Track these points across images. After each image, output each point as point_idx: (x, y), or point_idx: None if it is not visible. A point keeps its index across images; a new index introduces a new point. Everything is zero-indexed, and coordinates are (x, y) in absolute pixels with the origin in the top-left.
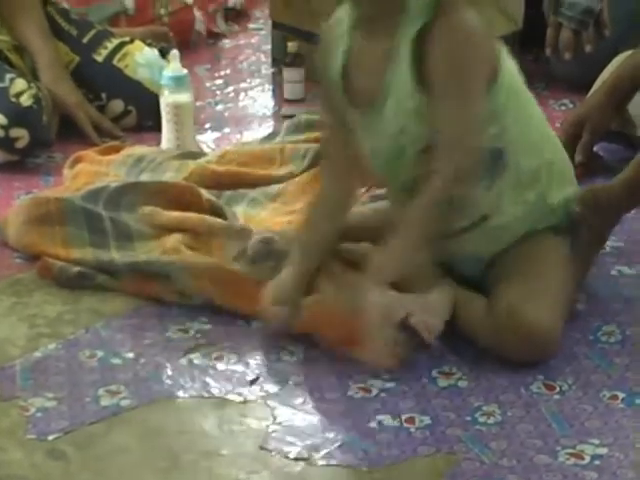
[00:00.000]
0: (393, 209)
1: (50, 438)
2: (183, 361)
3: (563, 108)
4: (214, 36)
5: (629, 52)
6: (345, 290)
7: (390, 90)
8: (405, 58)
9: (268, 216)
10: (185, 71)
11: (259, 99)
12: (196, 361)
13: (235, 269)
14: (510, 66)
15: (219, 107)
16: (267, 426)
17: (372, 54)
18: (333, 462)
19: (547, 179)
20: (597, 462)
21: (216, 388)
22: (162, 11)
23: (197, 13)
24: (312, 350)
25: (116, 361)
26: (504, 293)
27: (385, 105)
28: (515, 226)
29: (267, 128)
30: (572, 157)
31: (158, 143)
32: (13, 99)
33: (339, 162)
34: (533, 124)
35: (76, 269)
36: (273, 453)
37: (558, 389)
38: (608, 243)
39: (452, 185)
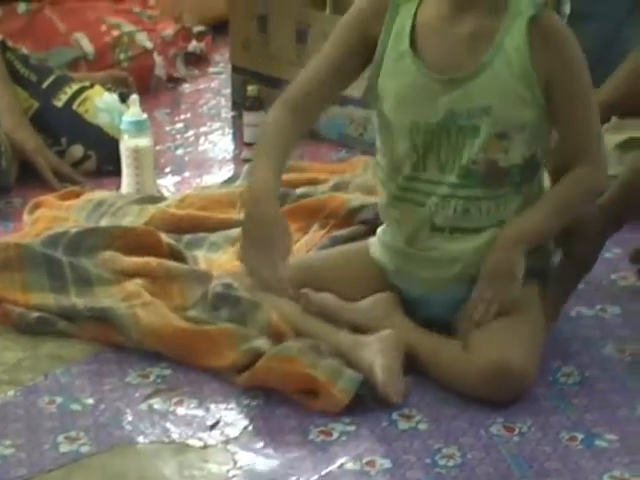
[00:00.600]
0: (387, 200)
1: None
2: (143, 406)
3: None
4: (174, 80)
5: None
6: (308, 345)
7: (486, 70)
8: (514, 46)
9: (228, 260)
10: (145, 116)
11: (219, 143)
12: (156, 406)
13: (183, 326)
14: None
15: (179, 151)
16: (228, 471)
17: (459, 29)
18: None
19: None
20: None
21: (176, 433)
22: (122, 56)
23: (157, 58)
24: (272, 394)
25: (76, 407)
26: (483, 338)
27: (473, 82)
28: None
29: (227, 172)
30: None
31: (118, 187)
32: None
33: (308, 104)
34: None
35: (36, 315)
36: None
37: (517, 431)
38: None
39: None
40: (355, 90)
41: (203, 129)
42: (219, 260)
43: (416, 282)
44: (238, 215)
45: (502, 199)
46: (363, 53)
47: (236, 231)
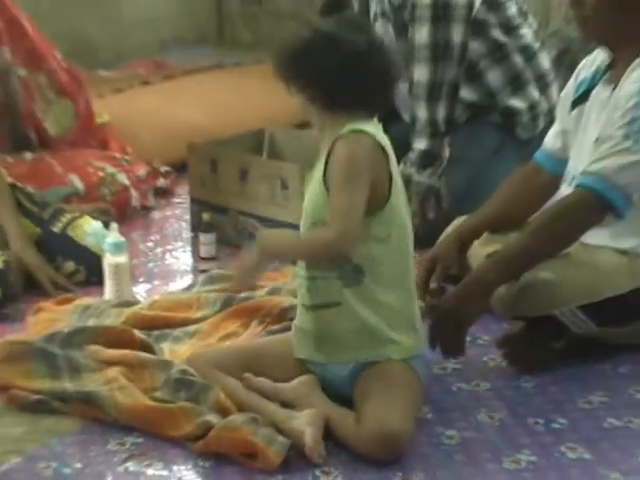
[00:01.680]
0: None
1: None
2: (120, 469)
3: None
4: (146, 209)
5: (464, 217)
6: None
7: (315, 172)
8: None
9: (188, 350)
10: (122, 239)
11: (181, 258)
12: (131, 468)
13: (152, 404)
14: (401, 207)
15: (150, 264)
16: None
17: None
18: None
19: (390, 319)
20: None
21: None
22: (106, 191)
23: (133, 192)
24: (222, 457)
25: (67, 470)
26: (368, 409)
27: (309, 182)
28: (353, 341)
29: (187, 280)
30: (426, 287)
31: (102, 295)
32: None
33: None
34: (402, 262)
35: (36, 397)
36: None
37: None
38: (450, 365)
39: (334, 242)
40: (288, 216)
41: (168, 247)
42: (181, 350)
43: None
44: (195, 314)
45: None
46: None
47: (194, 327)
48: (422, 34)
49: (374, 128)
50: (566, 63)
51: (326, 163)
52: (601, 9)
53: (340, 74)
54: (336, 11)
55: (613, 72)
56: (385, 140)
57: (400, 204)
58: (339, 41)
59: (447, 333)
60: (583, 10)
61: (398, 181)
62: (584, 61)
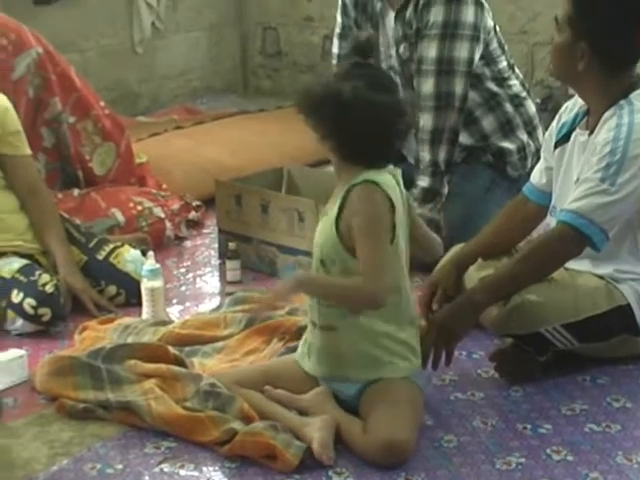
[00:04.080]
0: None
1: None
2: (156, 470)
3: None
4: (179, 239)
5: (461, 245)
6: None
7: (328, 214)
8: (335, 207)
9: (216, 364)
10: (158, 265)
11: (210, 282)
12: (166, 469)
13: (184, 413)
14: (402, 252)
15: (182, 288)
16: None
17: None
18: None
19: (390, 347)
20: None
21: None
22: (143, 223)
23: (168, 224)
24: (246, 459)
25: (109, 471)
26: (375, 421)
27: (321, 222)
28: (353, 362)
29: (215, 302)
30: (429, 308)
31: (139, 315)
32: (40, 288)
33: None
34: (400, 297)
35: (82, 406)
36: None
37: None
38: (447, 377)
39: (373, 298)
40: (304, 245)
41: (199, 272)
42: (209, 364)
43: (324, 378)
44: (222, 332)
45: (328, 308)
46: None
47: (221, 343)
48: (427, 85)
49: (386, 177)
50: (549, 108)
51: (340, 208)
52: (556, 58)
53: (361, 133)
54: (364, 56)
55: (589, 118)
56: (394, 189)
57: (401, 249)
58: (364, 101)
59: (438, 345)
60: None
61: (401, 227)
62: (565, 106)
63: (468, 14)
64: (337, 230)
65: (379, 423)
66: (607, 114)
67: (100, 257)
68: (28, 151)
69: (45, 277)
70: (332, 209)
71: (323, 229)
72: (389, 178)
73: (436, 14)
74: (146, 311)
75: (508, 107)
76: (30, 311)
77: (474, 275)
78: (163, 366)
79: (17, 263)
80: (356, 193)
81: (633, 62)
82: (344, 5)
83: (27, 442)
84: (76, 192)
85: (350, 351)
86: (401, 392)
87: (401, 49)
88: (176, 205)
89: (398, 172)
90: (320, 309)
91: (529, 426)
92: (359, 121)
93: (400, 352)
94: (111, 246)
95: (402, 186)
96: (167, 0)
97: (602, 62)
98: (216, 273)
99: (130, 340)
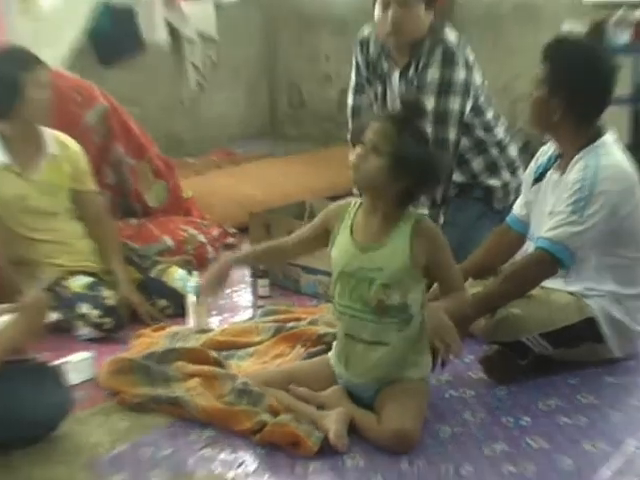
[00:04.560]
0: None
1: None
2: (199, 454)
3: None
4: None
5: None
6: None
7: (387, 244)
8: (404, 234)
9: (249, 366)
10: (201, 282)
11: (243, 296)
12: (206, 454)
13: (222, 407)
14: None
15: (221, 302)
16: None
17: (373, 220)
18: None
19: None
20: None
21: (218, 469)
22: (189, 247)
23: (209, 248)
24: (274, 446)
25: (161, 454)
26: (388, 414)
27: (377, 249)
28: (385, 369)
29: (248, 314)
30: None
31: (185, 324)
32: (103, 301)
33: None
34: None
35: (137, 400)
36: None
37: (417, 465)
38: (443, 378)
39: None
40: (323, 265)
41: (235, 288)
42: (243, 366)
43: (346, 377)
44: (254, 339)
45: (385, 326)
46: (323, 233)
47: (253, 348)
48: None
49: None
50: (528, 152)
51: (411, 239)
52: (534, 110)
53: (417, 187)
54: (414, 115)
55: (562, 161)
56: None
57: None
58: (424, 162)
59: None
60: (530, 106)
61: None
62: (540, 150)
63: (459, 74)
64: (412, 261)
65: (392, 415)
66: (576, 157)
67: (153, 275)
68: (94, 187)
69: (107, 292)
70: (393, 239)
71: (386, 258)
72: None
73: (433, 74)
74: (191, 321)
75: (494, 151)
76: (95, 320)
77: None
78: (205, 367)
79: (84, 280)
80: (429, 227)
81: (599, 114)
82: (357, 65)
83: (93, 429)
84: (134, 221)
85: (387, 360)
86: (415, 390)
87: None
88: (216, 232)
89: None
90: (372, 326)
91: (511, 419)
92: (419, 175)
93: (423, 349)
94: (162, 266)
95: None
96: (210, 61)
97: (574, 114)
98: (249, 289)
99: (178, 345)
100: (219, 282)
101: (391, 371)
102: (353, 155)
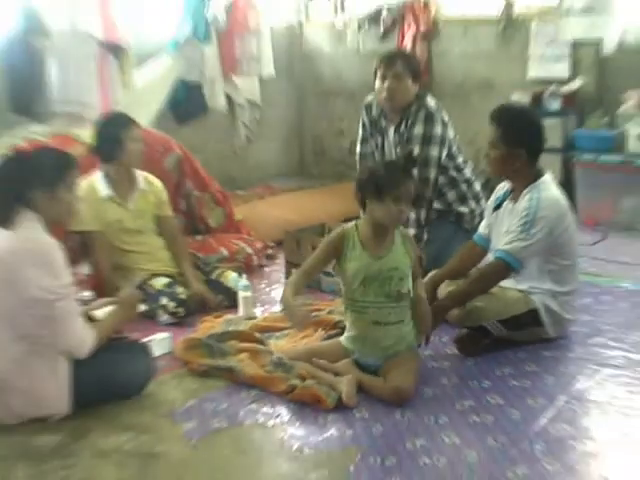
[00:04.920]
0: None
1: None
2: (248, 407)
3: None
4: (261, 266)
5: (435, 271)
6: (315, 382)
7: (393, 250)
8: (399, 242)
9: (284, 344)
10: (248, 282)
11: (279, 293)
12: (253, 407)
13: (263, 374)
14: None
15: (263, 297)
16: (283, 433)
17: (380, 237)
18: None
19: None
20: None
21: (261, 419)
22: (239, 257)
23: (254, 257)
24: (304, 403)
25: (219, 408)
26: (392, 376)
27: (388, 255)
28: (398, 341)
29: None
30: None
31: (237, 313)
32: (178, 295)
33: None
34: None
35: (203, 368)
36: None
37: (407, 417)
38: (426, 353)
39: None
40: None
41: (273, 287)
42: (279, 344)
43: (362, 354)
44: (287, 324)
45: (401, 308)
46: (333, 255)
47: (287, 331)
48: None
49: None
50: (489, 187)
51: (405, 247)
52: (497, 164)
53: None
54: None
55: (514, 194)
56: None
57: None
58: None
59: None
60: (490, 161)
61: None
62: (498, 186)
63: (438, 130)
64: (410, 256)
65: (395, 377)
66: (525, 191)
67: (213, 277)
68: (171, 213)
69: (181, 289)
70: (395, 247)
71: (397, 260)
72: None
73: (418, 129)
74: (241, 311)
75: (463, 186)
76: (171, 310)
77: (443, 290)
78: (251, 345)
79: (164, 280)
80: (408, 235)
81: (538, 158)
82: (363, 123)
83: (170, 389)
84: (199, 237)
85: (407, 333)
86: (410, 357)
87: (397, 150)
88: (259, 245)
89: None
90: (396, 310)
91: (476, 383)
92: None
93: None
94: (220, 271)
95: None
96: (255, 121)
97: (525, 161)
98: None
99: (231, 328)
100: (299, 312)
101: (404, 340)
102: (398, 209)
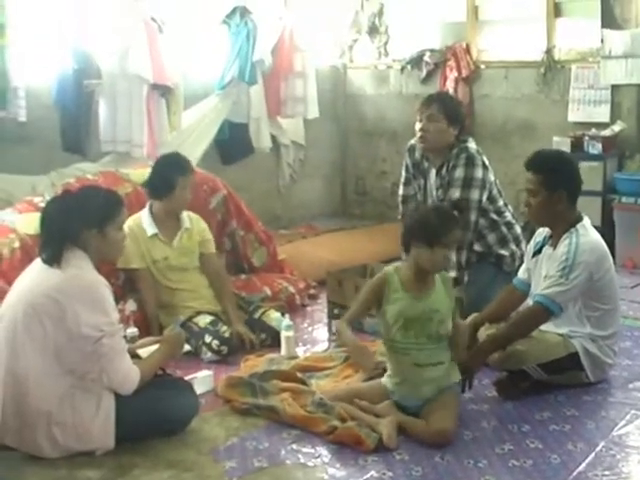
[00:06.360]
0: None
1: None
2: (289, 447)
3: None
4: (304, 306)
5: (476, 314)
6: (356, 423)
7: (434, 292)
8: (440, 284)
9: (326, 384)
10: (291, 322)
11: (321, 333)
12: (294, 447)
13: (305, 414)
14: None
15: (305, 336)
16: (324, 473)
17: (421, 279)
18: None
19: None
20: None
21: (302, 459)
22: (282, 296)
23: (297, 296)
24: (344, 445)
25: (261, 446)
26: (434, 419)
27: (429, 297)
28: (437, 382)
29: (324, 345)
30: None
31: (280, 352)
32: (221, 334)
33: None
34: None
35: (245, 407)
36: None
37: (446, 460)
38: (466, 396)
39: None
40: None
41: (315, 326)
42: (321, 384)
43: (403, 395)
44: (329, 364)
45: (441, 349)
46: (376, 299)
47: (329, 371)
48: None
49: None
50: (528, 230)
51: (448, 292)
52: (540, 210)
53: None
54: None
55: (552, 239)
56: None
57: None
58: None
59: (465, 375)
60: (531, 209)
61: None
62: (537, 231)
63: (478, 173)
64: (450, 298)
65: (437, 419)
66: (564, 237)
67: (256, 316)
68: (214, 251)
69: (224, 328)
70: (436, 289)
71: (438, 302)
72: None
73: (459, 173)
74: (283, 350)
75: (503, 229)
76: (215, 348)
77: (483, 333)
78: (293, 384)
79: (208, 318)
80: (448, 278)
81: (576, 202)
82: (406, 165)
83: (212, 427)
84: (243, 276)
85: (447, 374)
86: (451, 398)
87: (439, 193)
88: (302, 285)
89: None
90: (436, 352)
91: (516, 426)
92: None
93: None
94: (263, 310)
95: None
96: (299, 161)
97: (569, 201)
98: (325, 328)
99: (274, 368)
100: (368, 352)
101: (444, 380)
102: (444, 256)
